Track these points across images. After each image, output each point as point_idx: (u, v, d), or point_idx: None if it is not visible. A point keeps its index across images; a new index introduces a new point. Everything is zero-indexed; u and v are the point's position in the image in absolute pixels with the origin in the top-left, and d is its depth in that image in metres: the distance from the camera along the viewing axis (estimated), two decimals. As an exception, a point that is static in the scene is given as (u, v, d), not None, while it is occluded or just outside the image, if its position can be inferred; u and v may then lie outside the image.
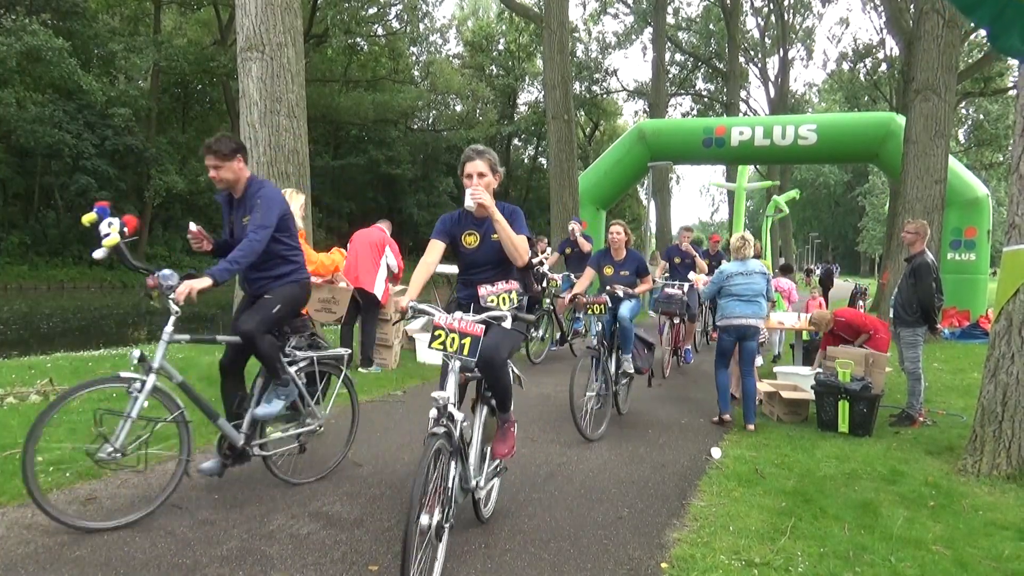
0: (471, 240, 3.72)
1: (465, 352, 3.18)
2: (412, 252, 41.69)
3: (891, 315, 6.89)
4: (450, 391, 3.19)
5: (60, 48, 26.66)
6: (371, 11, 42.10)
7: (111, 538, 3.43)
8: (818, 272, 33.34)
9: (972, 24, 11.42)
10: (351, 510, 3.96)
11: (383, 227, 8.65)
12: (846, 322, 7.87)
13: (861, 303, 18.01)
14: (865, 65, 36.50)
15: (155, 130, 35.00)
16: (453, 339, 3.20)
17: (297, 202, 5.41)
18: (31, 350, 10.75)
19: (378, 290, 8.14)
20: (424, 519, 2.80)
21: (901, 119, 16.05)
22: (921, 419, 6.66)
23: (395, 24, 44.28)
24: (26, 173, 30.63)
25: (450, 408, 3.10)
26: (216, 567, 3.18)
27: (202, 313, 24.52)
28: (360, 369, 8.21)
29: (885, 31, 29.48)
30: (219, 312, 21.81)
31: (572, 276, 9.97)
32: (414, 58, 51.03)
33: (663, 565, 3.42)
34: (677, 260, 10.31)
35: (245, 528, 3.64)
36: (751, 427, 6.39)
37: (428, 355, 9.22)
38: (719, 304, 6.64)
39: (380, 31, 44.28)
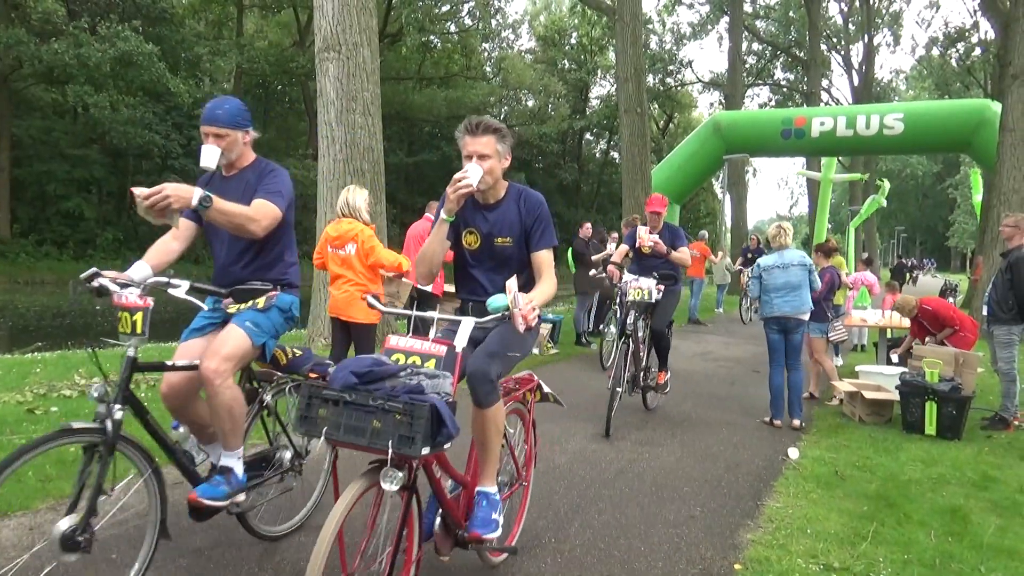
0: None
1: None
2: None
3: (984, 312, 6.56)
4: None
5: (150, 53, 27.90)
6: (444, 8, 42.54)
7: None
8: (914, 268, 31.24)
9: None
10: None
11: (430, 215, 8.15)
12: (932, 311, 7.60)
13: (951, 300, 17.30)
14: (957, 50, 34.79)
15: (238, 130, 36.28)
16: None
17: (362, 196, 5.55)
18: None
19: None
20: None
21: (996, 106, 15.26)
22: (1016, 423, 6.32)
23: (467, 21, 44.61)
24: (119, 173, 32.26)
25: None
26: (293, 552, 3.27)
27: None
28: None
29: (979, 13, 28.02)
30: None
31: None
32: (486, 54, 51.29)
33: (736, 566, 3.35)
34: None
35: (318, 516, 3.71)
36: (796, 423, 6.26)
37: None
38: (761, 300, 6.39)
39: (453, 28, 44.70)
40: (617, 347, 6.13)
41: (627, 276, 6.36)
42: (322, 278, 9.12)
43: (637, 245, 6.58)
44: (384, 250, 5.50)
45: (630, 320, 6.12)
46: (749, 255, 16.58)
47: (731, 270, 18.15)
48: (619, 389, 5.87)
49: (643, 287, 6.05)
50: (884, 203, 28.40)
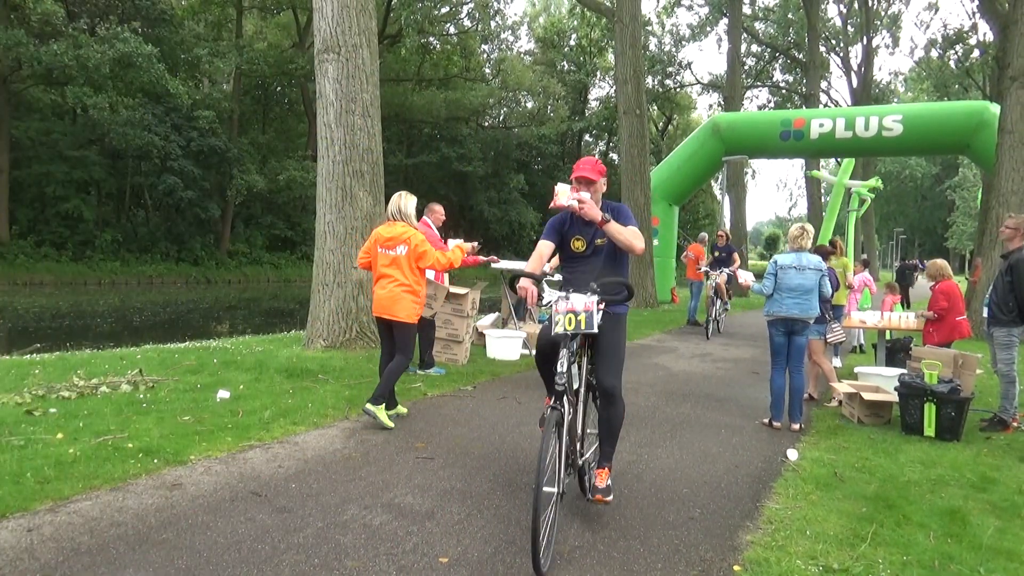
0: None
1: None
2: (484, 250, 41.99)
3: (984, 314, 6.56)
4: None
5: (149, 54, 27.93)
6: (444, 10, 42.57)
7: (195, 522, 3.59)
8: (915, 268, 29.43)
9: None
10: (422, 502, 4.02)
11: (427, 219, 8.02)
12: (942, 291, 7.75)
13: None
14: (956, 52, 34.79)
15: (237, 131, 36.28)
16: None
17: (412, 202, 5.83)
18: (123, 342, 11.30)
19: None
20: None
21: (995, 108, 15.29)
22: (1015, 424, 6.32)
23: (467, 22, 44.67)
24: (118, 174, 32.28)
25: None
26: (293, 554, 3.28)
27: (281, 308, 25.33)
28: (419, 371, 7.88)
29: (978, 15, 28.05)
30: (297, 307, 22.49)
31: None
32: (485, 56, 51.35)
33: (736, 568, 3.35)
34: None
35: (320, 517, 3.74)
36: (796, 427, 6.26)
37: (498, 351, 9.28)
38: (771, 298, 6.27)
39: (452, 30, 44.73)
40: (546, 422, 3.35)
41: (549, 294, 3.73)
42: (321, 279, 9.11)
43: (557, 205, 3.91)
44: (434, 252, 5.81)
45: (561, 368, 3.51)
46: (717, 253, 15.05)
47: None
48: (553, 492, 3.35)
49: (576, 308, 3.56)
50: (869, 197, 27.18)
